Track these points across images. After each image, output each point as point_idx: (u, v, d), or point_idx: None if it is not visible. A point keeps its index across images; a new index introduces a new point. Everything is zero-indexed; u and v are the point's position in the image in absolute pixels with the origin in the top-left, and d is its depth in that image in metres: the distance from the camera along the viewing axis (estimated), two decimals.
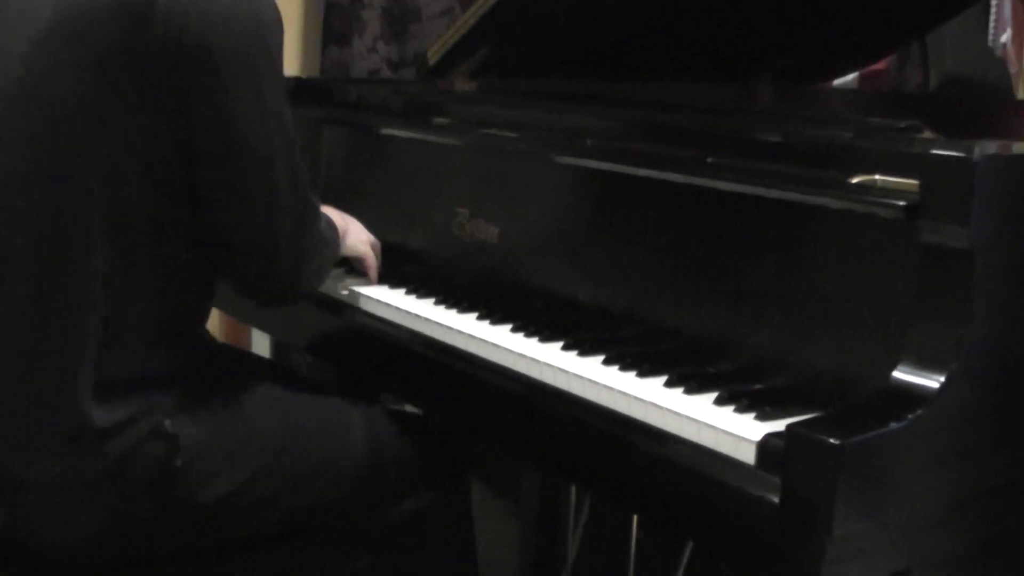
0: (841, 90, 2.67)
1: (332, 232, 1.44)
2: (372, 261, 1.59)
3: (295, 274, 1.33)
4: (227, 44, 1.19)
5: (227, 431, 1.34)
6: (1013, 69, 3.14)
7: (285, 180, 1.27)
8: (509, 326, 1.36)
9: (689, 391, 1.13)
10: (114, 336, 1.25)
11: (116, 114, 1.21)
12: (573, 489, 1.93)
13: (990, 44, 3.13)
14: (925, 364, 1.02)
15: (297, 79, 2.10)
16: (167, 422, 1.28)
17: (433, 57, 2.03)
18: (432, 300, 1.50)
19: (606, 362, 1.22)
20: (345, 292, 1.58)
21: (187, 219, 1.27)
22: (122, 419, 1.25)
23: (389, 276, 1.62)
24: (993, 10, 3.13)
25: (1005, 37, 3.16)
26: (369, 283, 1.59)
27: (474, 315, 1.42)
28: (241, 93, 1.21)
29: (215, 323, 2.82)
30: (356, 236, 1.57)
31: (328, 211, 1.50)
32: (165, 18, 1.17)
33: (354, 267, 1.61)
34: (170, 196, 1.25)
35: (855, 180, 1.10)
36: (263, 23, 1.23)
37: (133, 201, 1.24)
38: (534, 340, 1.31)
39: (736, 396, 1.10)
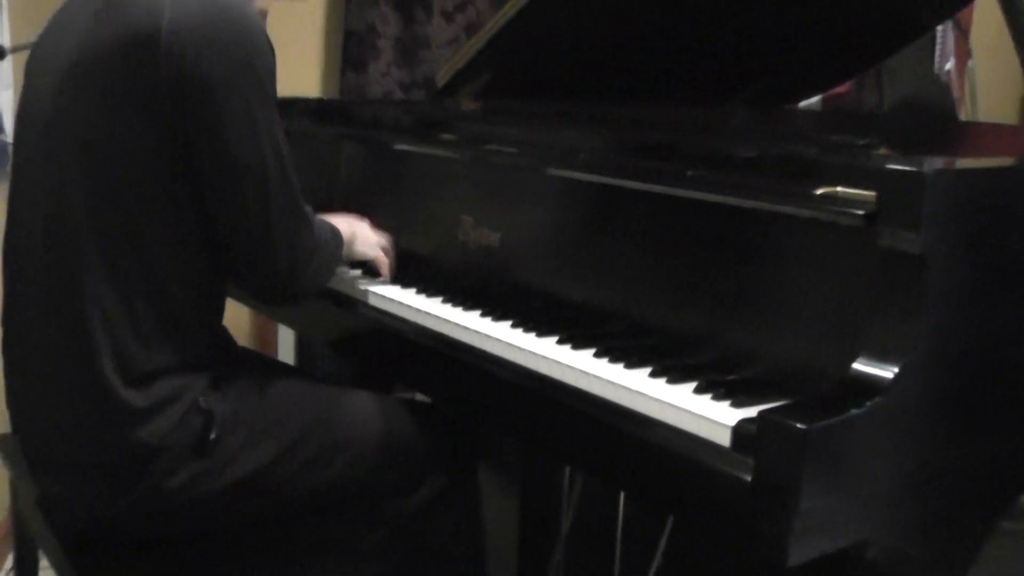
0: (806, 111, 2.67)
1: (333, 238, 1.44)
2: (384, 261, 1.58)
3: (292, 274, 1.33)
4: (220, 74, 1.21)
5: (254, 410, 1.35)
6: (956, 94, 3.15)
7: (278, 190, 1.28)
8: (509, 322, 1.36)
9: (671, 381, 1.13)
10: (141, 329, 1.25)
11: (127, 139, 1.23)
12: (567, 468, 1.93)
13: (936, 72, 3.14)
14: (882, 356, 1.02)
15: (319, 100, 2.10)
16: (201, 399, 1.29)
17: (441, 80, 2.03)
18: (440, 299, 1.49)
19: (597, 355, 1.22)
20: (361, 291, 1.58)
21: (198, 227, 1.28)
22: (158, 400, 1.26)
23: (401, 277, 1.62)
24: (938, 42, 3.14)
25: (948, 65, 3.18)
26: (384, 282, 1.58)
27: (478, 312, 1.41)
28: (233, 115, 1.22)
29: (245, 320, 2.82)
30: (365, 241, 1.57)
31: (336, 219, 1.50)
32: (167, 53, 1.19)
33: (371, 268, 1.61)
34: (180, 208, 1.26)
35: (819, 191, 1.10)
36: (253, 54, 1.24)
37: (148, 213, 1.25)
38: (532, 335, 1.31)
39: (713, 385, 1.10)
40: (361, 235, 1.56)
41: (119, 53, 1.21)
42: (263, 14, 1.46)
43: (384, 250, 1.60)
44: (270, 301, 1.40)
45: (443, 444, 1.51)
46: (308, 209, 1.35)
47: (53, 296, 1.27)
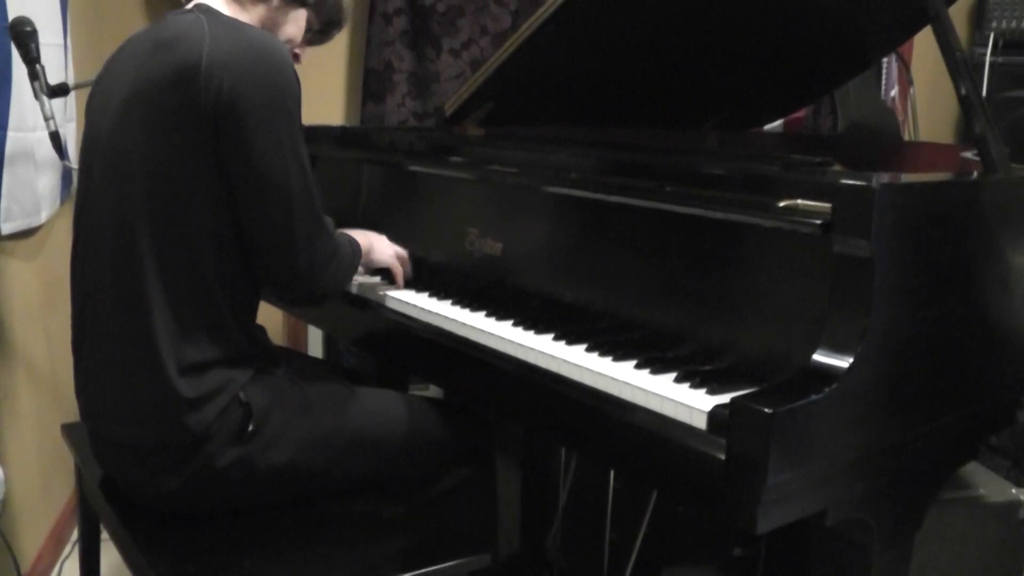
0: (770, 133, 2.66)
1: (351, 248, 1.43)
2: (398, 270, 1.59)
3: (312, 276, 1.32)
4: (251, 102, 1.22)
5: (289, 404, 1.34)
6: (900, 118, 3.16)
7: (300, 203, 1.27)
8: (511, 321, 1.36)
9: (654, 372, 1.13)
10: (189, 327, 1.26)
11: (177, 159, 1.23)
12: (563, 450, 1.93)
13: (882, 98, 3.14)
14: (838, 348, 1.02)
15: (343, 128, 2.10)
16: (241, 393, 1.29)
17: (449, 110, 2.03)
18: (449, 301, 1.49)
19: (588, 349, 1.22)
20: (380, 295, 1.57)
21: (234, 236, 1.28)
22: (207, 392, 1.26)
23: (414, 282, 1.62)
24: (883, 72, 3.15)
25: (893, 92, 3.18)
26: (399, 288, 1.58)
27: (483, 312, 1.41)
28: (263, 137, 1.23)
29: (279, 320, 2.82)
30: (382, 252, 1.57)
31: (354, 232, 1.50)
32: (206, 84, 1.20)
33: (390, 275, 1.61)
34: (220, 219, 1.26)
35: (782, 204, 1.10)
36: (282, 84, 1.24)
37: (195, 225, 1.25)
38: (531, 332, 1.31)
39: (691, 375, 1.10)
40: (378, 247, 1.57)
41: (167, 85, 1.22)
42: (293, 53, 1.46)
43: (400, 260, 1.60)
44: (293, 301, 1.39)
45: (462, 439, 1.51)
46: (327, 220, 1.35)
47: (120, 301, 1.28)
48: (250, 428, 1.28)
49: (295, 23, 1.43)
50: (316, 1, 1.44)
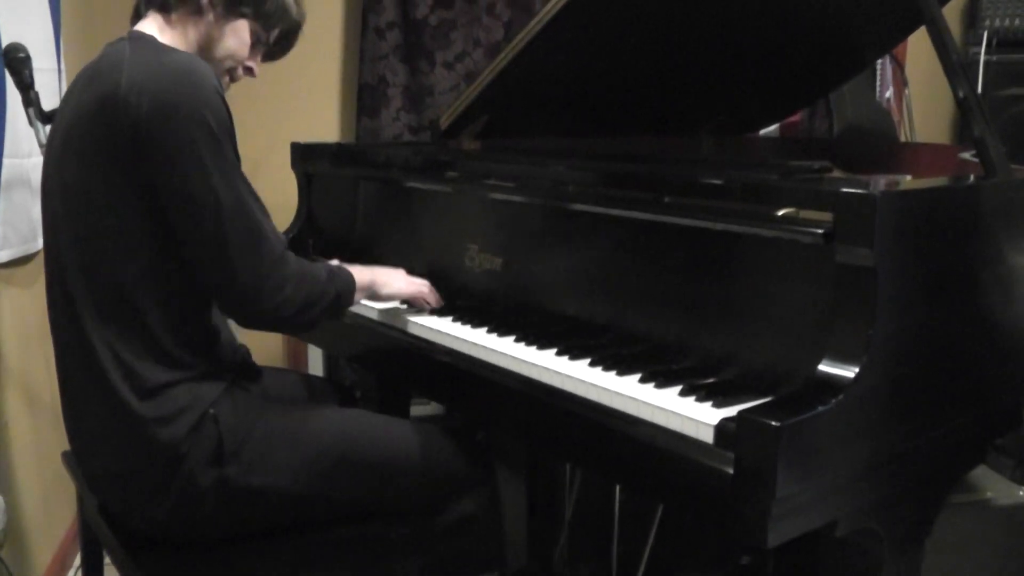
0: (766, 138, 2.66)
1: (330, 278, 1.36)
2: (418, 295, 1.53)
3: (257, 298, 1.27)
4: (171, 126, 1.20)
5: (269, 423, 1.32)
6: (895, 119, 3.16)
7: (233, 219, 1.24)
8: (512, 337, 1.35)
9: (659, 385, 1.12)
10: (135, 355, 1.25)
11: (103, 188, 1.23)
12: (568, 465, 1.92)
13: (878, 99, 3.15)
14: (843, 358, 1.01)
15: (339, 145, 2.09)
16: (211, 409, 1.28)
17: (444, 123, 2.03)
18: (450, 318, 1.48)
19: (591, 364, 1.21)
20: (374, 311, 1.55)
21: (173, 259, 1.26)
22: (171, 411, 1.25)
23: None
24: (878, 72, 3.15)
25: (888, 93, 3.18)
26: (420, 312, 1.53)
27: (484, 329, 1.40)
28: (185, 159, 1.21)
29: (279, 337, 2.81)
30: (392, 286, 1.50)
31: (362, 267, 1.46)
32: (124, 111, 1.20)
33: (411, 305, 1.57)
34: (157, 242, 1.25)
35: (781, 213, 1.10)
36: (201, 106, 1.22)
37: (125, 251, 1.25)
38: (533, 348, 1.30)
39: (696, 388, 1.09)
40: (386, 280, 1.50)
41: (90, 117, 1.23)
42: (245, 67, 1.44)
43: (421, 288, 1.53)
44: (246, 321, 1.33)
45: (456, 459, 1.47)
46: (276, 244, 1.29)
47: (69, 336, 1.29)
48: (227, 447, 1.27)
49: (235, 36, 1.39)
50: (254, 10, 1.39)
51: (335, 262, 1.47)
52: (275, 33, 1.45)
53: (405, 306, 1.58)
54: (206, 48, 1.38)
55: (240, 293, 1.27)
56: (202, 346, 1.33)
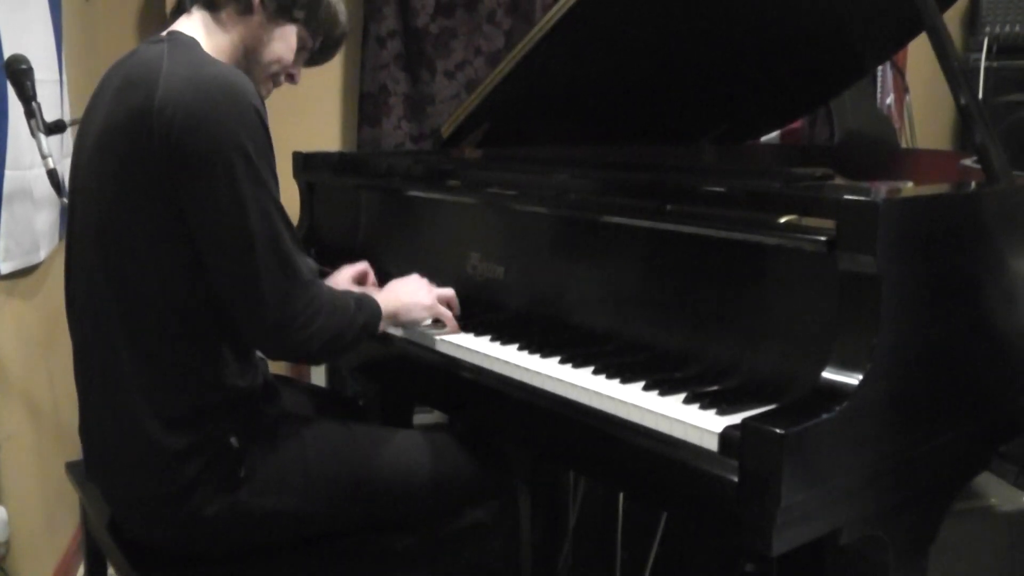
0: (767, 145, 2.67)
1: (357, 308, 1.31)
2: (445, 315, 1.46)
3: (285, 331, 1.21)
4: (203, 145, 1.14)
5: (283, 446, 1.30)
6: (896, 125, 3.16)
7: (265, 252, 1.18)
8: (516, 345, 1.35)
9: (663, 393, 1.12)
10: (165, 382, 1.22)
11: (135, 207, 1.19)
12: (571, 473, 1.91)
13: (879, 106, 3.15)
14: (847, 366, 1.01)
15: (340, 154, 2.10)
16: (232, 439, 1.25)
17: (446, 132, 2.03)
18: None
19: (595, 372, 1.21)
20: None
21: (202, 287, 1.21)
22: (194, 442, 1.23)
23: None
24: (879, 79, 3.16)
25: (889, 100, 3.19)
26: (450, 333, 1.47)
27: (487, 338, 1.40)
28: (217, 183, 1.15)
29: None
30: (412, 311, 1.43)
31: (383, 291, 1.43)
32: (157, 127, 1.15)
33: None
34: (185, 273, 1.20)
35: (783, 220, 1.10)
36: (238, 125, 1.16)
37: (158, 274, 1.20)
38: (536, 356, 1.30)
39: (700, 396, 1.09)
40: (410, 304, 1.43)
41: (125, 127, 1.18)
42: (288, 73, 1.40)
43: (445, 302, 1.47)
44: (269, 354, 1.28)
45: (467, 473, 1.44)
46: (307, 275, 1.24)
47: (98, 352, 1.25)
48: (241, 474, 1.25)
49: (283, 40, 1.34)
50: (306, 15, 1.35)
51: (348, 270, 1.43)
52: (320, 40, 1.41)
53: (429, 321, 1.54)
54: (252, 51, 1.33)
55: (268, 329, 1.21)
56: (232, 372, 1.29)
